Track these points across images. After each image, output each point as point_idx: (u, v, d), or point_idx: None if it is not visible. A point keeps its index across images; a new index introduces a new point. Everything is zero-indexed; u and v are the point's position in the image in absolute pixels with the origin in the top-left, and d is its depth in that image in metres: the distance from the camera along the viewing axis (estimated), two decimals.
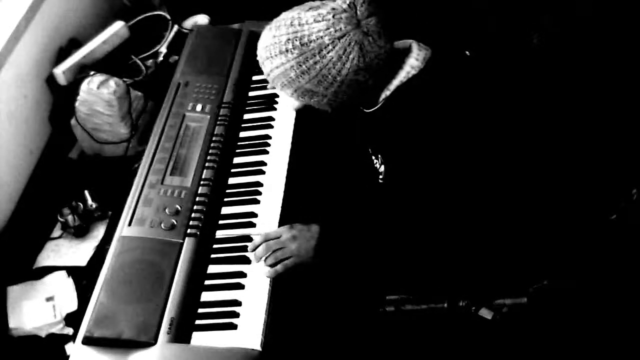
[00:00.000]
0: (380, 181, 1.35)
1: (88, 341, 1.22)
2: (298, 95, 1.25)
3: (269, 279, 1.32)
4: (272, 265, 1.33)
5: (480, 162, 1.22)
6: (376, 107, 1.29)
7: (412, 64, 1.24)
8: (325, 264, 1.34)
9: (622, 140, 1.80)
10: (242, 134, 1.62)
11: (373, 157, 1.38)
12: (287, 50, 1.17)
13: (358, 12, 1.16)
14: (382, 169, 1.33)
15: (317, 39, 1.15)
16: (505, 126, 1.27)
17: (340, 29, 1.15)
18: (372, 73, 1.19)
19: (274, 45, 1.19)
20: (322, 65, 1.16)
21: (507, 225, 1.29)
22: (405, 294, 1.48)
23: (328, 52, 1.15)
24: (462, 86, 1.26)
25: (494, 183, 1.24)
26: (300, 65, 1.18)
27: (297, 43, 1.16)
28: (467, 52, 1.33)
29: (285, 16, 1.21)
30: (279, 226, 1.40)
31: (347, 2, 1.17)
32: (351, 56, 1.15)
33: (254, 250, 1.35)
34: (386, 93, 1.26)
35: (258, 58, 1.26)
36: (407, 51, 1.25)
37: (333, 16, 1.15)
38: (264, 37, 1.23)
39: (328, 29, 1.15)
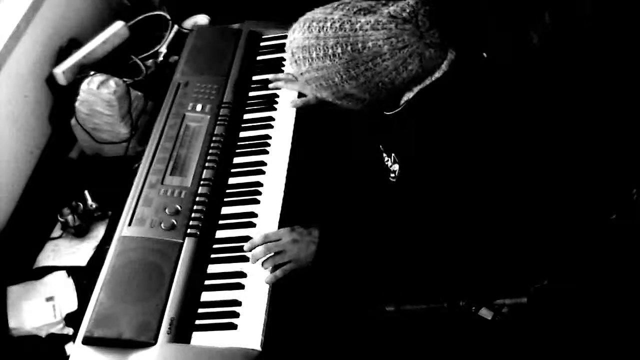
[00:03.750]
0: (391, 179, 1.34)
1: (88, 341, 1.22)
2: (334, 98, 1.20)
3: (269, 273, 1.32)
4: (271, 270, 1.32)
5: (498, 166, 1.21)
6: (398, 110, 1.27)
7: None
8: (325, 269, 1.34)
9: (622, 140, 1.80)
10: (242, 134, 1.62)
11: (385, 155, 1.37)
12: (334, 55, 1.12)
13: (420, 22, 1.11)
14: (394, 167, 1.32)
15: (374, 46, 1.09)
16: (521, 131, 1.26)
17: (404, 40, 1.09)
18: (419, 82, 1.16)
19: (318, 47, 1.13)
20: (375, 72, 1.11)
21: (509, 226, 1.28)
22: (406, 295, 1.47)
23: (384, 61, 1.10)
24: (483, 91, 1.24)
25: (505, 186, 1.23)
26: (348, 71, 1.12)
27: (348, 49, 1.11)
28: (484, 54, 1.32)
29: (328, 16, 1.14)
30: (279, 226, 1.40)
31: (407, 10, 1.11)
32: (409, 67, 1.11)
33: (251, 249, 1.34)
34: (408, 95, 1.23)
35: (291, 55, 1.20)
36: None
37: (396, 26, 1.09)
38: (302, 35, 1.16)
39: (389, 38, 1.09)
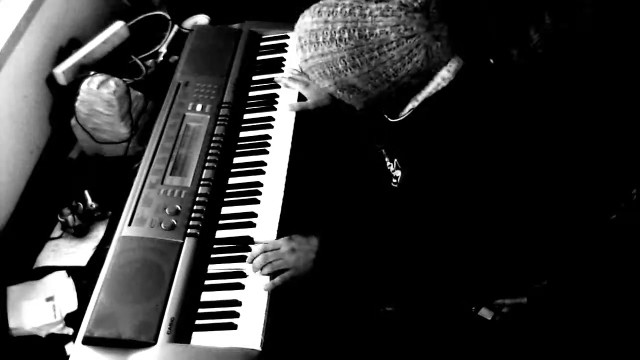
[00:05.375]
0: (393, 185, 1.33)
1: (88, 341, 1.22)
2: (336, 88, 1.17)
3: (268, 279, 1.32)
4: (270, 276, 1.32)
5: (503, 174, 1.19)
6: (402, 117, 1.25)
7: (443, 75, 1.18)
8: (324, 277, 1.33)
9: (622, 140, 1.80)
10: (242, 134, 1.62)
11: (387, 160, 1.36)
12: (340, 39, 1.09)
13: (430, 13, 1.09)
14: (397, 173, 1.31)
15: (381, 33, 1.07)
16: (526, 137, 1.24)
17: (412, 28, 1.07)
18: (425, 80, 1.14)
19: (325, 31, 1.10)
20: (379, 62, 1.09)
21: (509, 226, 1.28)
22: (406, 300, 1.47)
23: (389, 50, 1.07)
24: (490, 100, 1.22)
25: (507, 190, 1.23)
26: (353, 58, 1.09)
27: (355, 34, 1.08)
28: (491, 60, 1.31)
29: (340, 1, 1.11)
30: (279, 226, 1.40)
31: (419, 0, 1.09)
32: (415, 59, 1.09)
33: (251, 261, 1.34)
34: (414, 103, 1.22)
35: (298, 39, 1.17)
36: None
37: (405, 13, 1.07)
38: (311, 19, 1.13)
39: (397, 25, 1.06)
